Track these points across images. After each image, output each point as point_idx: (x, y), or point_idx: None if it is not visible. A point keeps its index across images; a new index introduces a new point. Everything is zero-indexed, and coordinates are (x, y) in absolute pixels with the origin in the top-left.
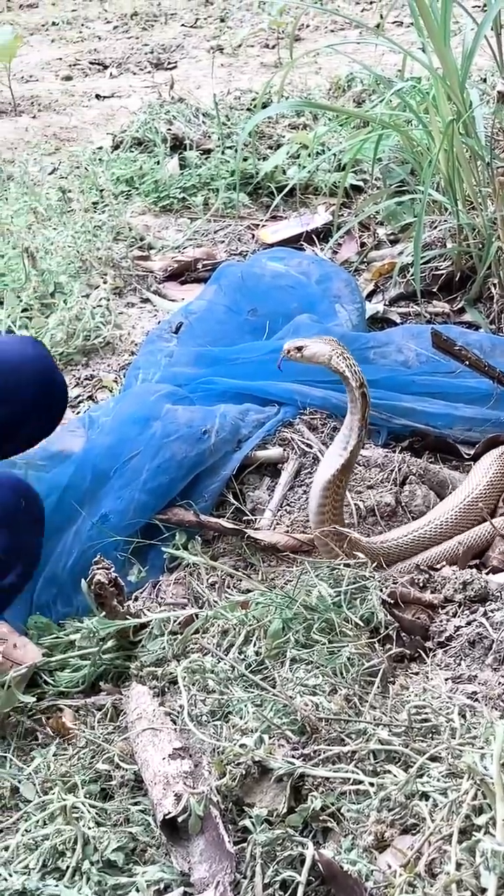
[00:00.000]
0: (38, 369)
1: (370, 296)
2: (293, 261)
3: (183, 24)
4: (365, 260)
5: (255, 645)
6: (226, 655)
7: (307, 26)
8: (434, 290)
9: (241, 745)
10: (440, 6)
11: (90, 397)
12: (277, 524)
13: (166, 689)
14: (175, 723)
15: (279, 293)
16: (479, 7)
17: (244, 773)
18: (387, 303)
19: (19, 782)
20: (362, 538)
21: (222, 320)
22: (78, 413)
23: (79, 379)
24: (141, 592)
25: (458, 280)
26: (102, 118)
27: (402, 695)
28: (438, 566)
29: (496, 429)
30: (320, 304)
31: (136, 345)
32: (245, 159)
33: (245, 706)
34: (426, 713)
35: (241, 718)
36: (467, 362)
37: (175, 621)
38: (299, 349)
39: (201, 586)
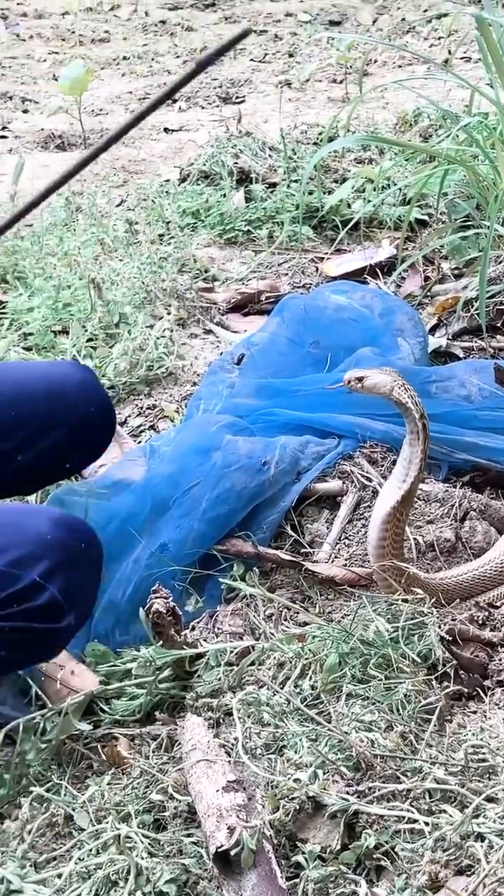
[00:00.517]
0: (86, 393)
1: (433, 330)
2: (356, 294)
3: (251, 59)
4: (429, 294)
5: (310, 679)
6: (281, 688)
7: (375, 61)
8: (498, 324)
9: (296, 780)
10: None
11: (152, 427)
12: (336, 557)
13: (221, 721)
14: (229, 755)
15: (342, 326)
16: None
17: (298, 807)
18: (450, 337)
19: (73, 810)
20: (421, 574)
21: (284, 352)
22: (140, 442)
23: (141, 408)
24: (198, 622)
25: None
26: (170, 151)
27: (459, 733)
28: (499, 604)
29: None
30: (383, 338)
31: (198, 375)
32: (310, 193)
33: (300, 740)
34: (483, 753)
35: (295, 753)
36: None
37: (231, 652)
38: (360, 380)
39: (258, 618)
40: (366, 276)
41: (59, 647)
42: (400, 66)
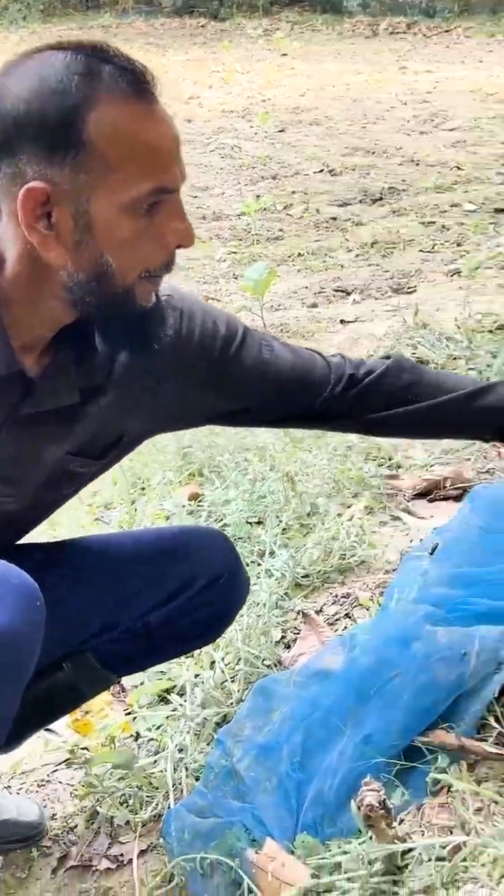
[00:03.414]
0: (225, 554)
1: None
2: None
3: (420, 250)
4: None
5: None
6: (497, 886)
7: None
8: None
9: None
10: None
11: (347, 615)
12: None
13: None
14: None
15: None
16: None
17: None
18: None
19: None
20: None
21: (477, 541)
22: (336, 630)
23: (336, 597)
24: (405, 815)
25: None
26: (348, 342)
27: None
28: None
29: None
30: None
31: (389, 563)
32: (488, 379)
33: None
34: None
35: None
36: None
37: (443, 847)
38: None
39: (467, 812)
40: None
41: None
42: None
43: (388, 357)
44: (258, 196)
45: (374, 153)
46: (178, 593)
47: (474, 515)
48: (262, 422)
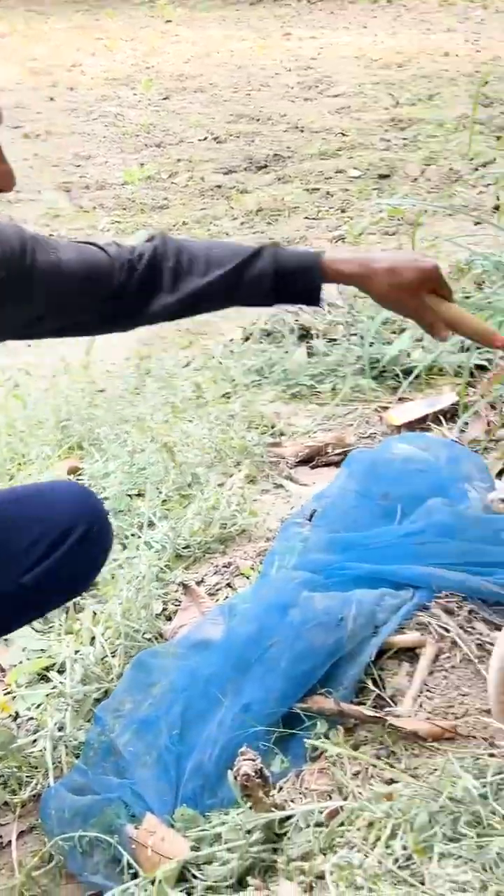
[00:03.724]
0: (85, 504)
1: (500, 474)
2: (421, 443)
3: (305, 217)
4: (493, 439)
5: (401, 839)
6: (372, 850)
7: (426, 212)
8: None
9: None
10: None
11: (228, 585)
12: (418, 711)
13: (314, 885)
14: None
15: (410, 476)
16: None
17: None
18: None
19: None
20: None
21: (354, 505)
22: (217, 601)
23: (217, 567)
24: (284, 782)
25: None
26: (233, 312)
27: None
28: None
29: None
30: (451, 486)
31: (271, 531)
32: (370, 345)
33: None
34: None
35: None
36: None
37: (320, 813)
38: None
39: (345, 777)
40: (429, 423)
41: None
42: (450, 215)
43: (151, 238)
44: (142, 164)
45: (258, 120)
46: (49, 552)
47: (351, 480)
48: (58, 330)
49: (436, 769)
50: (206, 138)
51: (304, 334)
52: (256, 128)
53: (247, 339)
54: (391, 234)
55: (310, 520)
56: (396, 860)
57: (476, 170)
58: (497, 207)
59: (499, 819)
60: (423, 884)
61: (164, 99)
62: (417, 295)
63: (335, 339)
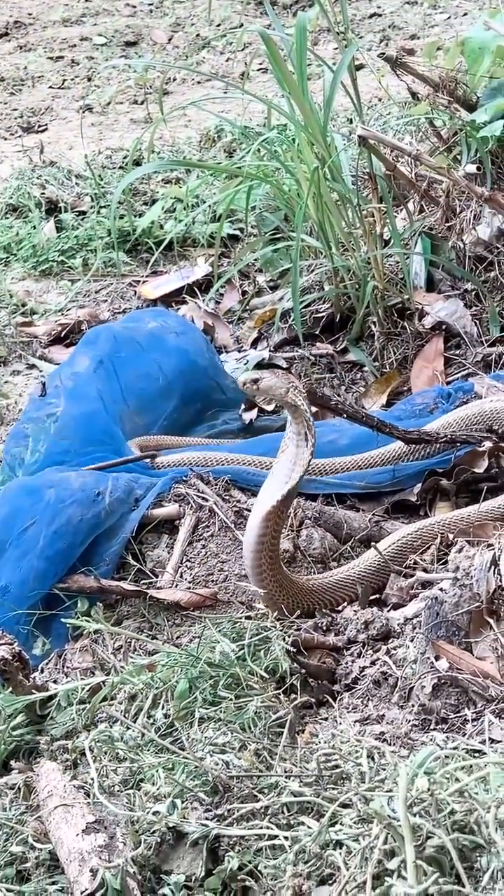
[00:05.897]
0: None
1: (255, 343)
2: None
3: (51, 87)
4: (247, 308)
5: (163, 708)
6: (134, 721)
7: (174, 80)
8: (316, 332)
9: (155, 813)
10: (295, 57)
11: None
12: (179, 581)
13: (78, 762)
14: (88, 796)
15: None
16: (339, 52)
17: (159, 840)
18: (271, 349)
19: None
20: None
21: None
22: None
23: None
24: (46, 664)
25: (338, 321)
26: None
27: (311, 743)
28: (339, 608)
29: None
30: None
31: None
32: (121, 217)
33: (156, 772)
34: (335, 760)
35: (153, 785)
36: (345, 414)
37: (82, 690)
38: (255, 381)
39: (106, 652)
40: (184, 295)
41: None
42: (199, 83)
43: None
44: None
45: None
46: None
47: (89, 358)
48: None
49: (196, 637)
50: None
51: (52, 208)
52: None
53: None
54: (139, 102)
55: (42, 396)
56: (158, 729)
57: (223, 36)
58: (244, 74)
59: (256, 679)
60: (183, 749)
61: None
62: None
63: (84, 212)
